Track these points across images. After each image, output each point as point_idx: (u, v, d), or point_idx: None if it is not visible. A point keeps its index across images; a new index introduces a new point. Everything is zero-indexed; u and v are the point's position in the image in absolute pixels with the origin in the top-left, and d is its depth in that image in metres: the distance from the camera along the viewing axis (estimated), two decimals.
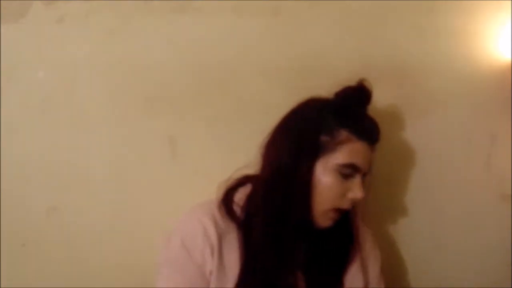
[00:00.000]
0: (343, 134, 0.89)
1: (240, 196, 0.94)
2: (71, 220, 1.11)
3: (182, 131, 1.13)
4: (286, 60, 1.14)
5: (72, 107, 1.10)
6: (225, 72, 1.13)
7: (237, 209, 0.93)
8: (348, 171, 0.89)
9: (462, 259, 1.22)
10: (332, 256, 0.94)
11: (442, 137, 1.19)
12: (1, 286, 1.09)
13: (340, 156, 0.88)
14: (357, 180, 0.90)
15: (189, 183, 1.13)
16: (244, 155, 1.14)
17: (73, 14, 1.09)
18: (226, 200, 0.94)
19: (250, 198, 0.93)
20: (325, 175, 0.88)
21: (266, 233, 0.88)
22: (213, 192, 1.13)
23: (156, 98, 1.12)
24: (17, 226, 1.10)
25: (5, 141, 1.08)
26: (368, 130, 0.91)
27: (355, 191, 0.89)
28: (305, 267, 0.92)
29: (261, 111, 1.14)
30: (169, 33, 1.12)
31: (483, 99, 1.19)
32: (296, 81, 1.14)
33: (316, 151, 0.88)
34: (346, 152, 0.88)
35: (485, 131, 1.20)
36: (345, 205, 0.91)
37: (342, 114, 0.90)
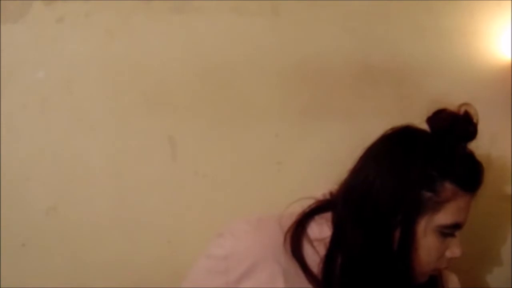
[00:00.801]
0: (448, 188, 0.74)
1: (316, 229, 0.79)
2: (71, 220, 1.11)
3: (182, 131, 1.13)
4: (286, 60, 1.14)
5: (72, 107, 1.10)
6: (225, 72, 1.13)
7: (309, 250, 0.77)
8: (450, 231, 0.76)
9: (462, 259, 1.22)
10: None
11: None
12: (1, 286, 1.09)
13: (444, 216, 0.75)
14: (455, 236, 0.78)
15: (189, 183, 1.13)
16: (243, 155, 1.14)
17: (73, 14, 1.09)
18: (297, 237, 0.77)
19: (331, 251, 0.77)
20: (425, 237, 0.75)
21: None
22: (212, 192, 1.14)
23: (156, 98, 1.12)
24: (17, 226, 1.10)
25: (5, 141, 1.08)
26: (475, 179, 0.77)
27: (454, 249, 0.78)
28: None
29: (260, 111, 1.14)
30: (169, 33, 1.12)
31: (483, 99, 1.19)
32: (295, 81, 1.14)
33: (418, 210, 0.74)
34: (451, 211, 0.75)
35: (485, 131, 1.20)
36: (443, 265, 0.80)
37: (446, 162, 0.75)
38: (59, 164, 1.10)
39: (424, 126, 1.19)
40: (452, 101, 1.18)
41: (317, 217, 0.80)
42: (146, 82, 1.11)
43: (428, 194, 0.74)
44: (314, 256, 0.77)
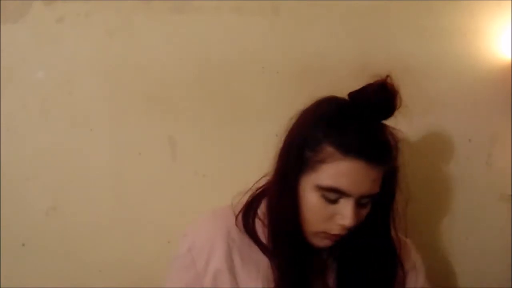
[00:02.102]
0: (326, 150, 0.75)
1: (265, 208, 0.85)
2: (71, 220, 1.11)
3: (182, 131, 1.13)
4: (286, 60, 1.14)
5: (72, 107, 1.10)
6: (225, 71, 1.13)
7: (260, 227, 0.84)
8: (332, 196, 0.76)
9: (462, 259, 1.22)
10: (374, 279, 0.84)
11: (442, 137, 1.19)
12: (1, 286, 1.09)
13: (321, 177, 0.76)
14: (347, 205, 0.76)
15: (188, 183, 1.13)
16: (243, 155, 1.14)
17: (73, 14, 1.09)
18: (248, 214, 0.85)
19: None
20: (307, 194, 0.78)
21: (281, 253, 0.81)
22: (212, 192, 1.14)
23: (156, 98, 1.12)
24: (17, 226, 1.10)
25: (5, 141, 1.08)
26: (363, 146, 0.75)
27: (344, 217, 0.76)
28: None
29: (261, 111, 1.14)
30: (169, 33, 1.12)
31: (483, 99, 1.19)
32: (295, 81, 1.14)
33: (299, 167, 0.78)
34: (329, 173, 0.75)
35: (485, 131, 1.20)
36: (335, 230, 0.79)
37: (333, 125, 0.76)
38: (59, 164, 1.10)
39: (423, 125, 1.19)
40: (452, 101, 1.19)
41: (266, 198, 0.86)
42: (146, 82, 1.11)
43: (309, 154, 0.77)
44: (265, 230, 0.83)
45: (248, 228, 0.84)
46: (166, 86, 1.12)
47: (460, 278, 1.22)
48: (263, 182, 0.89)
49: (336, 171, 0.75)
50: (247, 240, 0.83)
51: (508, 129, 1.20)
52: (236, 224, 0.84)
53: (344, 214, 0.76)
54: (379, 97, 0.77)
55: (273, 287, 0.81)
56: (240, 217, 0.85)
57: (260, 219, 0.85)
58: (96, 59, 1.10)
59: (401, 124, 1.15)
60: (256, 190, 0.89)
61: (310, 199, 0.78)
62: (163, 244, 1.11)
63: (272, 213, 0.83)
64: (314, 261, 0.85)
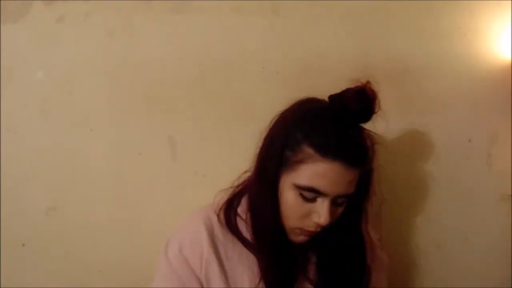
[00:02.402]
0: (305, 150, 0.78)
1: (245, 205, 0.89)
2: (71, 220, 1.11)
3: (182, 131, 1.13)
4: (286, 60, 1.14)
5: (72, 107, 1.10)
6: (225, 71, 1.13)
7: (242, 223, 0.87)
8: (309, 195, 0.79)
9: (462, 259, 1.22)
10: (348, 272, 0.87)
11: (442, 137, 1.19)
12: (1, 286, 1.09)
13: (299, 176, 0.78)
14: (323, 204, 0.79)
15: (188, 183, 1.13)
16: (244, 155, 1.14)
17: (73, 14, 1.09)
18: (229, 211, 0.88)
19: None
20: (285, 192, 0.81)
21: (266, 250, 0.84)
22: (212, 192, 1.14)
23: (156, 98, 1.12)
24: (17, 226, 1.10)
25: (5, 141, 1.08)
26: (341, 148, 0.77)
27: (320, 216, 0.79)
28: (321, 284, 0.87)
29: (261, 111, 1.13)
30: (169, 32, 1.12)
31: (483, 99, 1.19)
32: (295, 81, 1.14)
33: (279, 165, 0.80)
34: (307, 173, 0.78)
35: (485, 131, 1.20)
36: (310, 227, 0.82)
37: (312, 127, 0.79)
38: (59, 164, 1.10)
39: (423, 125, 1.19)
40: (452, 101, 1.19)
41: (247, 195, 0.89)
42: (146, 82, 1.11)
43: (289, 153, 0.79)
44: (247, 226, 0.86)
45: (231, 225, 0.87)
46: (166, 86, 1.12)
47: (460, 278, 1.22)
48: (243, 179, 0.91)
49: (314, 171, 0.78)
50: (230, 237, 0.86)
51: (508, 129, 1.19)
52: (219, 221, 0.87)
53: (320, 213, 0.80)
54: (358, 102, 0.79)
55: (259, 282, 0.83)
56: (221, 215, 0.87)
57: (240, 216, 0.88)
58: (96, 59, 1.10)
59: (401, 124, 1.16)
60: (237, 188, 0.91)
61: (288, 197, 0.81)
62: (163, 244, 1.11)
63: (254, 210, 0.85)
64: (296, 256, 0.87)
